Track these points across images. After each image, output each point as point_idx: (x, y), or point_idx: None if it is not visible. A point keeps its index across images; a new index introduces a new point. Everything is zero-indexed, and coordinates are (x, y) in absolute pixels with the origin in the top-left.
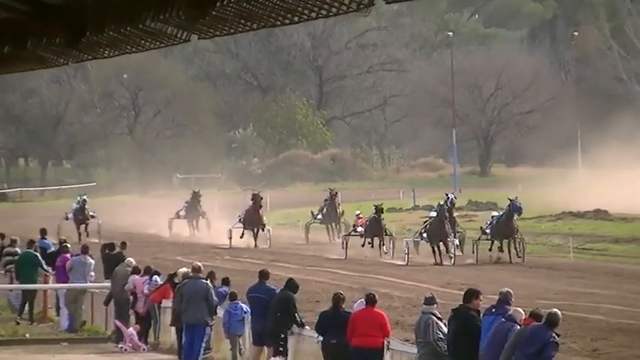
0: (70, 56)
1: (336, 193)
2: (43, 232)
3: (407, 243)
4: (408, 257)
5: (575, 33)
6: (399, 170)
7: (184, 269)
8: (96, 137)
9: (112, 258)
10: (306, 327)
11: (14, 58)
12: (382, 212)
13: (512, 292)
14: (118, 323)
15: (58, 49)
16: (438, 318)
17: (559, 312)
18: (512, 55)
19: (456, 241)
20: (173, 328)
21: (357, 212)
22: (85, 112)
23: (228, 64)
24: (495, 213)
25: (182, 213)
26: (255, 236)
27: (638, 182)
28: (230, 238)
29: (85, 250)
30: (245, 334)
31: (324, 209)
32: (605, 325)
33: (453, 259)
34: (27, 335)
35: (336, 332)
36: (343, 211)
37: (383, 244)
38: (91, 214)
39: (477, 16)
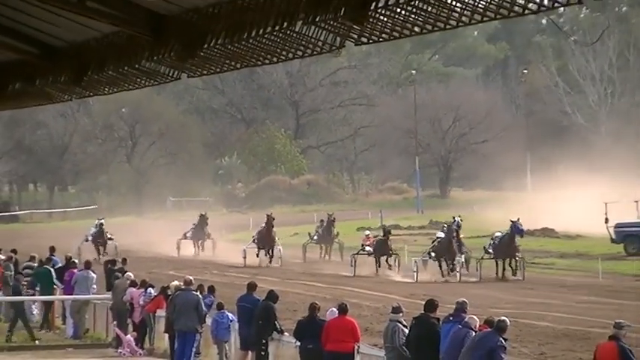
0: (74, 93)
1: (334, 218)
2: (52, 250)
3: (416, 262)
4: (417, 275)
5: (525, 71)
6: (367, 194)
7: (176, 282)
8: (97, 165)
9: (113, 272)
10: (285, 333)
11: (25, 94)
12: (390, 234)
13: (467, 302)
14: (118, 330)
15: (63, 87)
16: (404, 325)
17: (507, 319)
18: (469, 91)
19: (462, 260)
20: (167, 335)
21: (367, 233)
22: (87, 143)
23: (215, 99)
24: (498, 233)
25: (189, 234)
26: (270, 255)
27: (581, 204)
28: (244, 257)
29: (87, 265)
30: (230, 340)
31: (320, 230)
32: (552, 331)
33: (459, 277)
34: (37, 342)
35: (312, 338)
36: (338, 233)
37: (388, 263)
38: (108, 236)
39: (437, 56)
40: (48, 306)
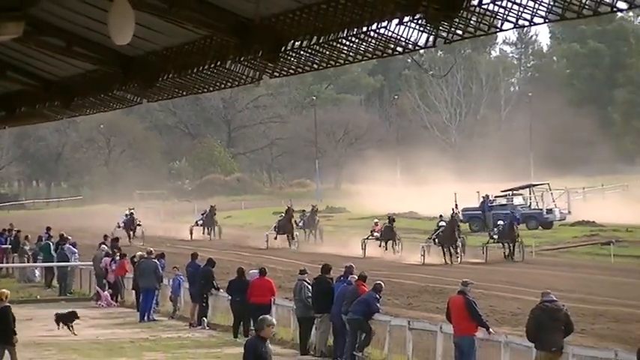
0: (65, 114)
1: (317, 209)
2: (48, 229)
3: (423, 247)
4: (424, 258)
5: (396, 97)
6: (281, 187)
7: (140, 253)
8: (83, 167)
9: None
10: (221, 290)
11: (28, 115)
12: (394, 221)
13: (354, 266)
14: (97, 288)
15: (56, 109)
16: (308, 283)
17: (382, 282)
18: (355, 111)
19: (460, 245)
20: (134, 292)
21: (375, 220)
22: (75, 151)
23: (169, 118)
24: (500, 222)
25: (200, 222)
26: (289, 239)
27: (438, 193)
28: (267, 241)
29: (63, 240)
30: (181, 295)
31: (306, 218)
32: (417, 287)
33: (459, 259)
34: (38, 297)
35: (240, 293)
36: (319, 220)
37: (394, 246)
38: (138, 223)
39: (331, 86)
40: (48, 270)
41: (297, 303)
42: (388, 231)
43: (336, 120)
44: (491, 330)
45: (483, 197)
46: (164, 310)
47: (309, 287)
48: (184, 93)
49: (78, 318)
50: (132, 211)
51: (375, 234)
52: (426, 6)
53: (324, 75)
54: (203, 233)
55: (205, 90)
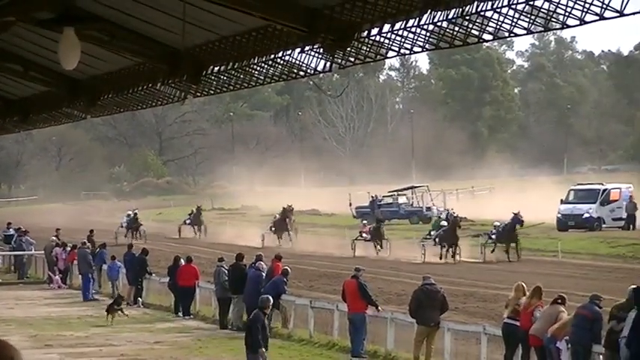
0: (22, 128)
1: (292, 208)
2: (9, 224)
3: (423, 246)
4: (424, 256)
5: (300, 113)
6: (203, 189)
7: (80, 243)
8: (38, 172)
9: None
10: (153, 275)
11: None
12: (382, 222)
13: (262, 254)
14: (50, 273)
15: (15, 124)
16: (226, 269)
17: (289, 268)
18: (265, 125)
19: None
20: (80, 276)
21: (364, 222)
22: (32, 158)
23: (110, 131)
24: (497, 222)
25: (188, 221)
26: (287, 237)
27: (335, 194)
28: (263, 240)
29: (22, 233)
30: (119, 279)
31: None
32: (317, 272)
33: (459, 258)
34: (1, 280)
35: (171, 277)
36: (295, 220)
37: (381, 246)
38: (140, 223)
39: (246, 104)
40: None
41: (217, 286)
42: (376, 232)
43: (249, 132)
44: (379, 308)
45: (372, 197)
46: (105, 291)
47: (227, 272)
48: (122, 110)
49: (123, 300)
50: (135, 212)
51: (364, 235)
52: (323, 37)
53: (240, 95)
54: (194, 232)
55: (140, 107)
